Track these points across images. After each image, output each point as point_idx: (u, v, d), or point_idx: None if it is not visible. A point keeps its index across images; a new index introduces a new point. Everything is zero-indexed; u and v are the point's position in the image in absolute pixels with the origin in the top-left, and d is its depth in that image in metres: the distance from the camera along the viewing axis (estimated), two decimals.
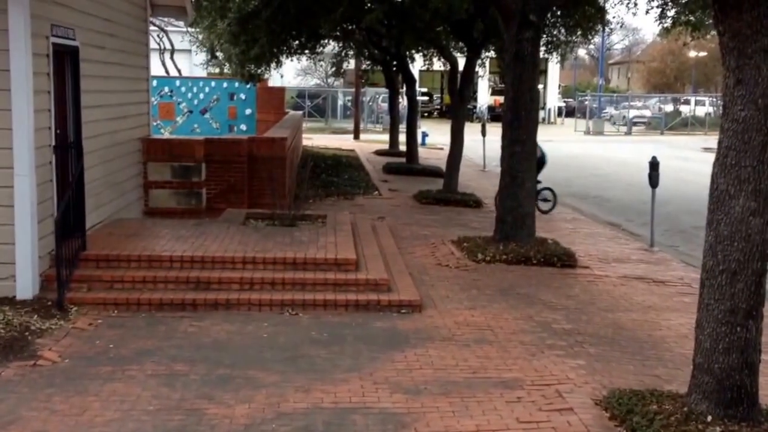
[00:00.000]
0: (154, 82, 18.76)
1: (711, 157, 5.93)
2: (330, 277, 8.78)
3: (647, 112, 50.44)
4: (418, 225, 13.53)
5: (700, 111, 50.21)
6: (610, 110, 50.93)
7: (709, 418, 5.54)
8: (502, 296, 9.14)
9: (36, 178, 8.12)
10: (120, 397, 5.99)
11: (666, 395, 6.04)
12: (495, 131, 16.56)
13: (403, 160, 23.34)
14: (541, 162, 13.87)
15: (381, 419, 5.74)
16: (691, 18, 14.40)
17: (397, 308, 8.43)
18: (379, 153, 26.88)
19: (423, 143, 28.32)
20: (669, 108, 51.06)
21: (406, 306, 8.46)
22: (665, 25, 15.20)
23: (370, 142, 31.58)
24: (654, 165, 12.55)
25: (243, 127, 23.21)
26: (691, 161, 27.57)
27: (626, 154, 29.97)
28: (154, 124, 16.46)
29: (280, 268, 8.88)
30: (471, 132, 20.83)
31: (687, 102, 52.71)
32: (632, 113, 47.77)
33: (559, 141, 35.36)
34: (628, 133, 44.22)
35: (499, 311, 8.55)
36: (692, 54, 56.03)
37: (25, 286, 8.04)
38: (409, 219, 14.12)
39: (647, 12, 14.96)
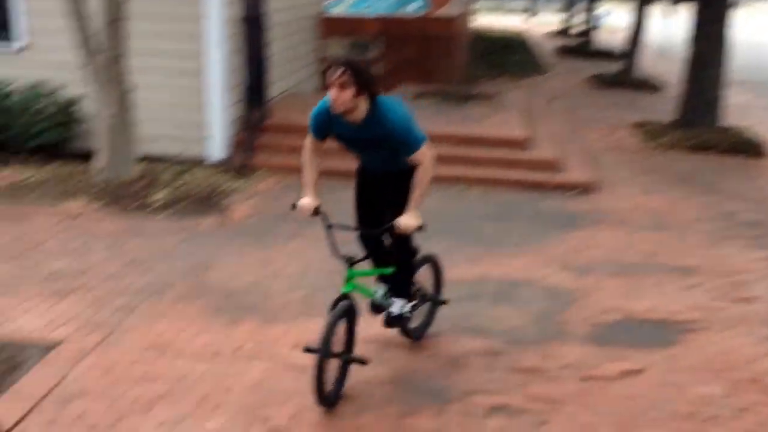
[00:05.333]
0: None
1: None
2: (501, 156, 8.74)
3: None
4: (593, 108, 13.10)
5: None
6: None
7: None
8: (681, 183, 8.80)
9: (226, 47, 8.47)
10: (299, 254, 6.33)
11: None
12: (680, 13, 15.52)
13: (579, 41, 22.43)
14: None
15: (548, 294, 5.74)
16: None
17: (570, 189, 8.31)
18: (553, 34, 25.93)
19: (601, 24, 26.99)
20: None
21: (578, 187, 8.32)
22: None
23: (544, 24, 30.46)
24: None
25: (417, 4, 22.84)
26: None
27: None
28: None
29: (452, 144, 8.91)
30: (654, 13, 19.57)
31: None
32: None
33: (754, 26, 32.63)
34: None
35: (677, 198, 8.25)
36: None
37: (216, 150, 8.57)
38: (583, 101, 13.69)
39: None
